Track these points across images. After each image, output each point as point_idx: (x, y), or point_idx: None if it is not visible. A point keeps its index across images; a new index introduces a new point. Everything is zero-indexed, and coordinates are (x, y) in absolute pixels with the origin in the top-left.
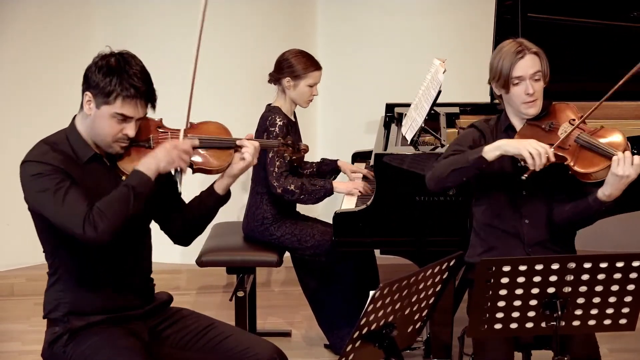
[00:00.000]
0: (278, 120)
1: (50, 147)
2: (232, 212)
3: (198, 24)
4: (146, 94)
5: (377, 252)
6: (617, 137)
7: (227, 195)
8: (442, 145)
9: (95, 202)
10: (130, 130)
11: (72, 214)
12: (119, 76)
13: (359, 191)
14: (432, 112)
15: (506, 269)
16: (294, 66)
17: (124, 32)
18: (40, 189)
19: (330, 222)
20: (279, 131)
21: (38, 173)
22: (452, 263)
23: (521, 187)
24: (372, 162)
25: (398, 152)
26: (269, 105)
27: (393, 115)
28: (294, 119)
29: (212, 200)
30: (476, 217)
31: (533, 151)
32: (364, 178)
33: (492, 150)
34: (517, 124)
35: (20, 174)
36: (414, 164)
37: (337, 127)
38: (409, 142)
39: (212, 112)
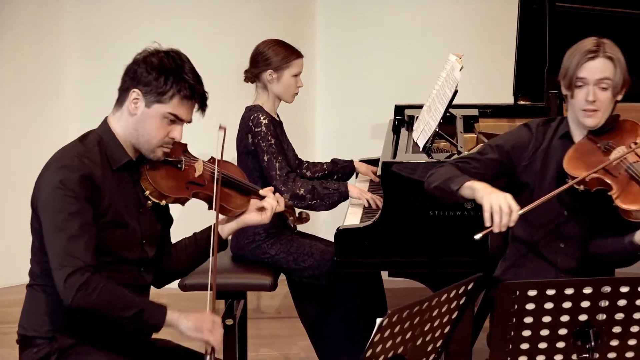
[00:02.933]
0: (262, 118)
1: (86, 148)
2: None
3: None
4: (201, 96)
5: (384, 274)
6: None
7: (227, 241)
8: (459, 152)
9: (101, 266)
10: (177, 133)
11: (68, 255)
12: (175, 75)
13: (367, 201)
14: (448, 114)
15: (532, 293)
16: (272, 57)
17: (95, 28)
18: (55, 207)
19: (332, 239)
20: (266, 129)
21: (63, 186)
22: (470, 286)
23: (563, 206)
24: (379, 171)
25: (409, 161)
26: (248, 106)
27: (403, 119)
28: (278, 119)
29: (208, 243)
30: (513, 228)
31: (496, 208)
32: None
33: (467, 188)
34: (576, 133)
35: (44, 171)
36: (426, 173)
37: (340, 132)
38: (421, 149)
39: (209, 112)
